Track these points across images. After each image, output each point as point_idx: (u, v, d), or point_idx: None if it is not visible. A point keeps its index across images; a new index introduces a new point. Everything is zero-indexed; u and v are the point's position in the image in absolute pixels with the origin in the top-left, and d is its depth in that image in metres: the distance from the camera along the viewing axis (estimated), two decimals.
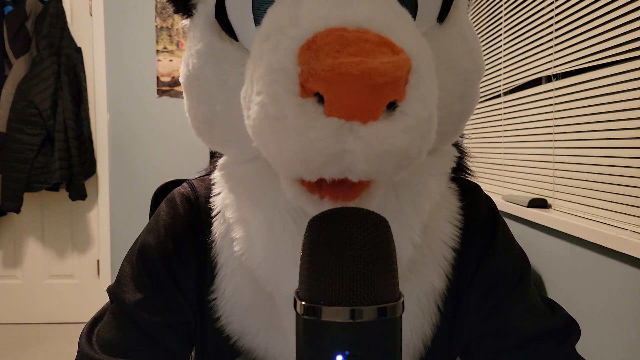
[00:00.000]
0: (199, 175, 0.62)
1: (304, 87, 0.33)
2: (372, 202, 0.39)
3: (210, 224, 0.55)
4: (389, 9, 0.37)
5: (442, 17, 0.44)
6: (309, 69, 0.32)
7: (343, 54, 0.32)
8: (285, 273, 0.47)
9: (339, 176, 0.34)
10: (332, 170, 0.34)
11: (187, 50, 0.48)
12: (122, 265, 0.56)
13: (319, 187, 0.37)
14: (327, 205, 0.37)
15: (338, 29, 0.34)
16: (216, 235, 0.54)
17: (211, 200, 0.56)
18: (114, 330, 0.52)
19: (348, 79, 0.31)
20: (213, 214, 0.55)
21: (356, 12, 0.35)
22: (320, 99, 0.33)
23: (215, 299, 0.54)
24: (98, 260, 2.75)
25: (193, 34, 0.47)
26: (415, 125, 0.34)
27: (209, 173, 0.60)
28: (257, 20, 0.42)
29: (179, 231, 0.55)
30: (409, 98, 0.34)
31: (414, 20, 0.42)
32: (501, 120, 1.93)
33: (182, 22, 0.51)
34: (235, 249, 0.51)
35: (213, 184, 0.56)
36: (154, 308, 0.52)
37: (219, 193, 0.55)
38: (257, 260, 0.49)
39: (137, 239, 0.57)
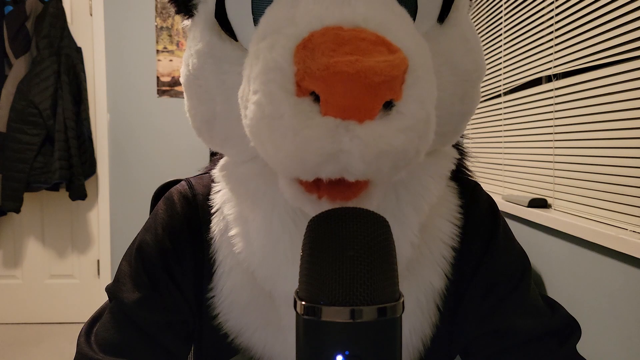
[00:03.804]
0: (198, 173, 0.62)
1: (299, 86, 0.33)
2: (370, 203, 0.39)
3: (209, 222, 0.55)
4: (387, 8, 0.37)
5: (442, 17, 0.44)
6: (305, 67, 0.32)
7: (339, 52, 0.32)
8: (284, 273, 0.47)
9: (336, 176, 0.34)
10: (328, 170, 0.33)
11: (188, 50, 0.48)
12: (121, 264, 0.56)
13: (316, 187, 0.37)
14: (325, 205, 0.37)
15: (334, 28, 0.33)
16: (215, 233, 0.54)
17: (211, 197, 0.56)
18: (112, 330, 0.52)
19: (343, 77, 0.31)
20: (213, 211, 0.55)
21: (353, 11, 0.35)
22: (317, 98, 0.33)
23: (214, 296, 0.54)
24: (98, 260, 2.75)
25: (193, 34, 0.47)
26: (412, 125, 0.33)
27: (208, 171, 0.59)
28: (256, 20, 0.42)
29: (176, 229, 0.55)
30: (406, 97, 0.33)
31: (414, 20, 0.42)
32: (501, 120, 1.93)
33: (183, 23, 0.51)
34: (234, 248, 0.51)
35: (213, 182, 0.56)
36: (153, 307, 0.52)
37: (219, 190, 0.55)
38: (255, 259, 0.49)
39: (135, 238, 0.57)
